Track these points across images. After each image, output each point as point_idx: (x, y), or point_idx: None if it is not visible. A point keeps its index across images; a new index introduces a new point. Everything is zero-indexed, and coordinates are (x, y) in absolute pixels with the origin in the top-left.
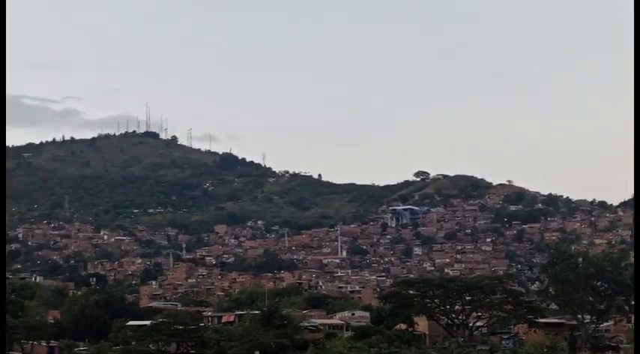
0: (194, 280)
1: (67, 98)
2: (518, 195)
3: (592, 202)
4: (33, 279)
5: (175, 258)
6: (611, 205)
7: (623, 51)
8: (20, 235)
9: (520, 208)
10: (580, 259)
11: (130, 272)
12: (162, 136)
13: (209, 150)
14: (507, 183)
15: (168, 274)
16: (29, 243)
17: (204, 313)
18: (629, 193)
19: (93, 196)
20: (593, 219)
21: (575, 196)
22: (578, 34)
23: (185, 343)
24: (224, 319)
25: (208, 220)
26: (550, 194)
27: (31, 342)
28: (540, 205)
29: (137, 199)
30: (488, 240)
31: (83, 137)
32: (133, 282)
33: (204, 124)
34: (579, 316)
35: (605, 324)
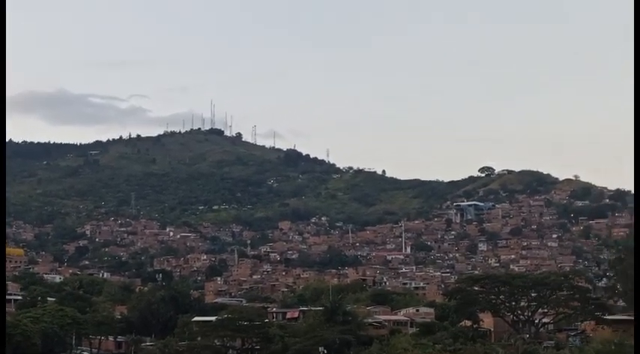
0: (259, 277)
1: (133, 96)
2: (584, 190)
3: None
4: (100, 275)
5: (240, 254)
6: None
7: None
8: (88, 232)
9: (587, 203)
10: None
11: (195, 268)
12: (227, 133)
13: (273, 147)
14: (574, 178)
15: (233, 270)
16: (96, 240)
17: (269, 309)
18: None
19: (158, 193)
20: None
21: None
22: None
23: (250, 338)
24: (288, 315)
25: (272, 216)
26: (617, 189)
27: (98, 337)
28: (607, 200)
29: (202, 196)
30: (554, 236)
31: (149, 135)
32: (199, 278)
33: (268, 121)
34: None
35: None
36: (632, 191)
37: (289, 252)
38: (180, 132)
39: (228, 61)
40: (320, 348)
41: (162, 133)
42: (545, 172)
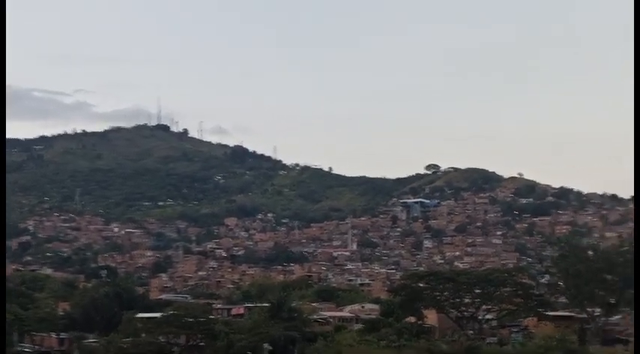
0: (204, 273)
1: (78, 91)
2: (529, 188)
3: (603, 196)
4: (43, 271)
5: (185, 251)
6: (623, 198)
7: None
8: (31, 228)
9: (531, 201)
10: (590, 253)
11: (140, 265)
12: (174, 129)
13: (220, 143)
14: (518, 176)
15: (178, 266)
16: (40, 235)
17: (214, 305)
18: None
19: (104, 189)
20: (604, 212)
21: (586, 190)
22: (579, 32)
23: (195, 335)
24: (234, 312)
25: (219, 212)
26: (561, 187)
27: (40, 334)
28: (551, 198)
29: (148, 192)
30: (498, 233)
31: (94, 130)
32: (143, 274)
33: (215, 117)
34: (589, 309)
35: (615, 317)
36: (575, 189)
37: (235, 248)
38: (126, 128)
39: (175, 57)
40: (265, 344)
41: (108, 128)
42: (490, 170)
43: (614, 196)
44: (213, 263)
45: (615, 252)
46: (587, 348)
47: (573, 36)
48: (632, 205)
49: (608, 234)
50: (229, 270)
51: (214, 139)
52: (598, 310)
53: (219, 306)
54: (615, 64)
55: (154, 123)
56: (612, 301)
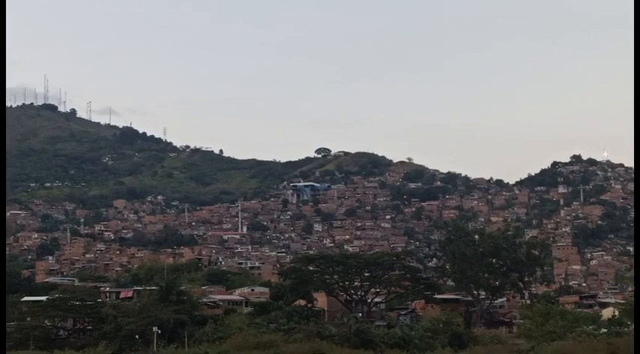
0: (92, 256)
1: None
2: (417, 172)
3: (489, 181)
4: None
5: (73, 233)
6: (508, 183)
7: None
8: None
9: (419, 185)
10: (476, 237)
11: (25, 247)
12: (61, 108)
13: (109, 124)
14: (407, 160)
15: (65, 249)
16: None
17: (102, 288)
18: (524, 172)
19: None
20: (490, 197)
21: (473, 175)
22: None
23: (82, 318)
24: (122, 295)
25: (107, 194)
26: (449, 172)
27: None
28: (439, 182)
29: (34, 173)
30: (387, 217)
31: None
32: (29, 257)
33: (104, 98)
34: (475, 292)
35: (500, 300)
36: (462, 174)
37: (124, 231)
38: (11, 106)
39: (62, 35)
40: (154, 328)
41: None
42: (380, 155)
43: (499, 182)
44: (101, 246)
45: (500, 236)
46: (472, 330)
47: (466, 26)
48: (517, 190)
49: (493, 218)
50: (118, 253)
51: (103, 120)
52: (483, 292)
53: (107, 289)
54: (508, 58)
55: (40, 102)
56: (497, 284)
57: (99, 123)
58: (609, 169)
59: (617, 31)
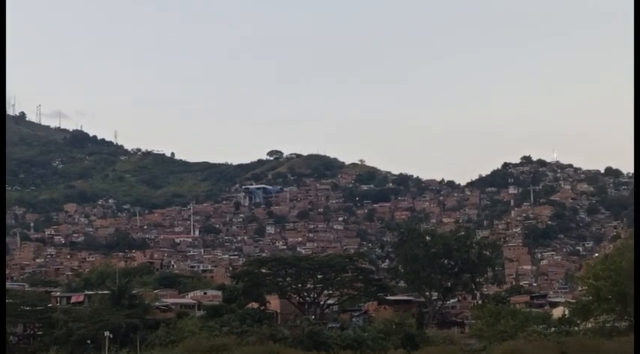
0: (42, 260)
1: None
2: (369, 174)
3: (441, 182)
4: None
5: (23, 237)
6: (459, 184)
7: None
8: None
9: (372, 187)
10: (428, 238)
11: None
12: (10, 111)
13: (59, 127)
14: (359, 162)
15: (15, 253)
16: None
17: (53, 293)
18: (475, 173)
19: None
20: (441, 198)
21: (424, 176)
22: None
23: (32, 324)
24: (73, 300)
25: (58, 198)
26: (401, 174)
27: None
28: (391, 184)
29: None
30: (340, 219)
31: None
32: None
33: (54, 100)
34: (427, 293)
35: (452, 301)
36: (414, 175)
37: (75, 235)
38: None
39: (10, 37)
40: (105, 332)
41: None
42: (332, 157)
43: (451, 183)
44: (51, 250)
45: (452, 237)
46: (424, 331)
47: (417, 23)
48: (468, 191)
49: (445, 219)
50: (68, 257)
51: (53, 123)
52: (435, 293)
53: (58, 294)
54: (457, 57)
55: None
56: (449, 284)
57: (48, 126)
58: (559, 170)
59: (572, 28)
